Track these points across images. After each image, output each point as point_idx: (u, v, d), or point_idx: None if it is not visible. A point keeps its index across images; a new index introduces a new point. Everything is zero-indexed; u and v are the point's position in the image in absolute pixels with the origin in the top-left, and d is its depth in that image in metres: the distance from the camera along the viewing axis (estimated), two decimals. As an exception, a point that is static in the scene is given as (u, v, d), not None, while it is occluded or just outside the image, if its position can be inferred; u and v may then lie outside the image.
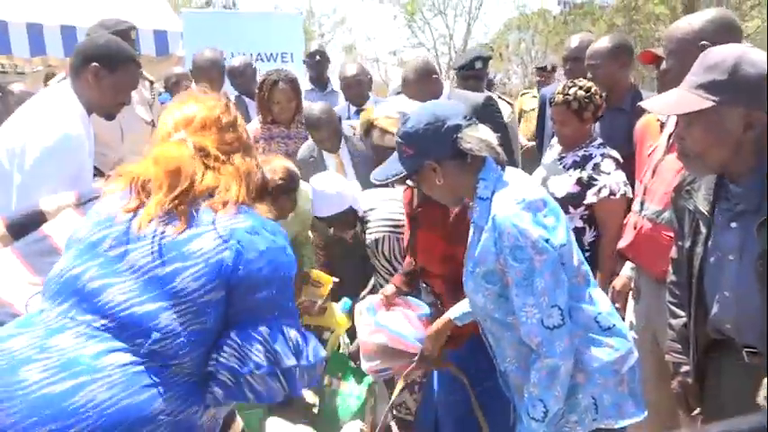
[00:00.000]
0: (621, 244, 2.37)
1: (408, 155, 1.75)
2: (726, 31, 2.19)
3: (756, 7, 14.85)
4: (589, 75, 3.10)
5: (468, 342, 2.12)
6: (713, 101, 1.48)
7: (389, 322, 2.25)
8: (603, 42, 3.17)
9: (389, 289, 2.39)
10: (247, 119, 3.68)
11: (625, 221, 2.45)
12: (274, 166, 2.84)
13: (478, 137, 1.71)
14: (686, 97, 1.53)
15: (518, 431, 1.78)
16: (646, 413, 1.77)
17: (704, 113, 1.50)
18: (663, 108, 1.66)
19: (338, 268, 3.35)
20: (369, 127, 2.20)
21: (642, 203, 2.30)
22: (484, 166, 1.72)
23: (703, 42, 2.19)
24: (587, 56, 3.18)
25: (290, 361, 1.24)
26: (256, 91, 3.56)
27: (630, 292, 2.42)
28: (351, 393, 3.04)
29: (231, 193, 1.32)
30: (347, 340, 3.14)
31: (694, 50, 2.09)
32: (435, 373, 2.33)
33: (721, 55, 1.51)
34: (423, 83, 3.51)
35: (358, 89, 4.19)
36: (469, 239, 1.79)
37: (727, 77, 1.47)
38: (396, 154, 1.83)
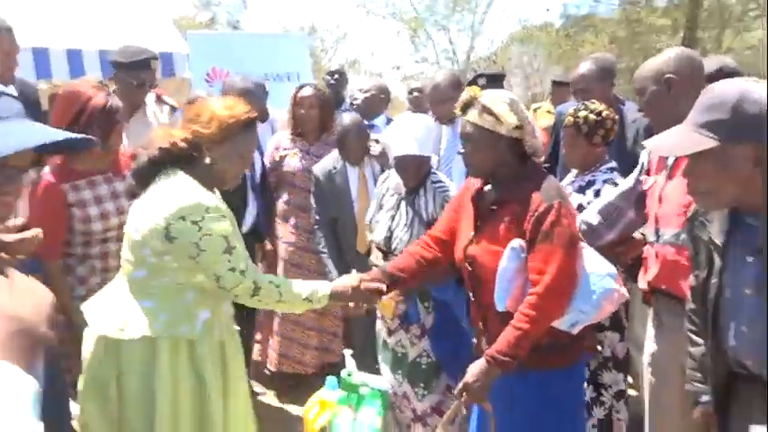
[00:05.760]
0: (649, 277, 2.30)
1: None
2: (687, 64, 2.27)
3: (759, 18, 14.87)
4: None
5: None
6: (717, 140, 1.46)
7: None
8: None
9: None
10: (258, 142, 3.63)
11: (644, 256, 2.37)
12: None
13: None
14: (690, 137, 1.51)
15: None
16: None
17: (710, 153, 1.47)
18: (670, 150, 1.67)
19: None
20: (470, 102, 2.07)
21: (657, 231, 2.25)
22: None
23: (667, 76, 2.25)
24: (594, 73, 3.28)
25: None
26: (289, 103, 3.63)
27: (650, 320, 2.36)
28: (363, 422, 2.97)
29: None
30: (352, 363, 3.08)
31: (659, 86, 2.26)
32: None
33: (722, 93, 1.48)
34: (454, 90, 3.50)
35: (372, 102, 4.15)
36: None
37: (729, 116, 1.44)
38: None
